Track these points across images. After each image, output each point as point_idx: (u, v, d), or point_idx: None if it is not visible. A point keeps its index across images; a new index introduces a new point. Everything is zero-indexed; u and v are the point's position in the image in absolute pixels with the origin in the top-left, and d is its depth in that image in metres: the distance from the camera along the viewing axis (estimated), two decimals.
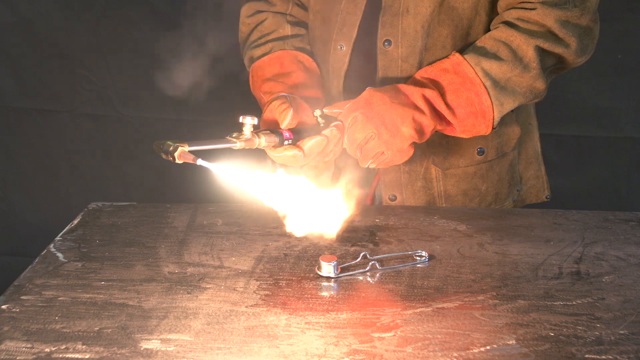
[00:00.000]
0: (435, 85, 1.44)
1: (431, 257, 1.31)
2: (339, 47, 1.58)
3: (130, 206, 1.55)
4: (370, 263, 1.27)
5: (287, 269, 1.27)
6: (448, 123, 1.45)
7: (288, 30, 1.66)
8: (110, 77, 2.81)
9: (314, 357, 1.00)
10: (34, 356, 1.00)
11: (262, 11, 1.70)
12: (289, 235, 1.40)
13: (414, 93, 1.42)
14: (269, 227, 1.45)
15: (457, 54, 1.45)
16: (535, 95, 1.48)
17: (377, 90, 1.43)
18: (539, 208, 1.64)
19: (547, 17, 1.44)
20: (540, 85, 1.46)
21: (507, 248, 1.35)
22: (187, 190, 2.85)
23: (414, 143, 1.43)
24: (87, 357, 1.00)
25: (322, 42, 1.63)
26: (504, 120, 1.64)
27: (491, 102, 1.43)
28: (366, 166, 1.45)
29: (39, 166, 2.95)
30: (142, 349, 1.02)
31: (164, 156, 1.27)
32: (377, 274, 1.26)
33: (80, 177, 2.94)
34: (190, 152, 1.25)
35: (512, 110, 1.65)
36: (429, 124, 1.41)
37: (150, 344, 1.03)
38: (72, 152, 2.92)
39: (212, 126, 2.37)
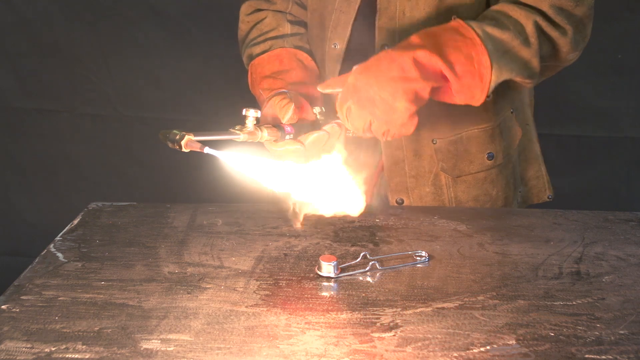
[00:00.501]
0: (435, 41, 1.38)
1: (431, 257, 1.31)
2: (333, 45, 1.59)
3: (130, 206, 1.55)
4: (370, 263, 1.27)
5: (287, 269, 1.27)
6: (445, 79, 1.38)
7: (287, 28, 1.66)
8: (110, 77, 2.81)
9: (314, 357, 1.00)
10: (34, 356, 1.00)
11: (261, 9, 1.70)
12: (289, 235, 1.40)
13: (403, 57, 1.35)
14: (269, 227, 1.45)
15: (459, 19, 1.41)
16: (529, 74, 1.44)
17: (361, 70, 1.37)
18: (539, 208, 1.64)
19: (542, 2, 1.43)
20: (536, 64, 1.43)
21: (507, 248, 1.35)
22: (187, 190, 2.85)
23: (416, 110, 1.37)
24: (87, 357, 1.00)
25: (319, 41, 1.63)
26: (507, 123, 1.64)
27: (491, 64, 1.38)
28: (384, 140, 1.45)
29: (39, 166, 2.95)
30: (142, 349, 1.02)
31: (170, 145, 1.26)
32: (377, 274, 1.26)
33: (80, 177, 2.94)
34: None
35: (512, 111, 1.66)
36: (423, 87, 1.35)
37: (150, 344, 1.03)
38: (72, 152, 2.92)
39: (212, 126, 2.37)
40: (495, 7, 1.46)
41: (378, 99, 1.34)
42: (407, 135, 1.44)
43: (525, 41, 1.41)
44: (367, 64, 1.38)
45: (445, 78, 1.38)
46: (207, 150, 1.25)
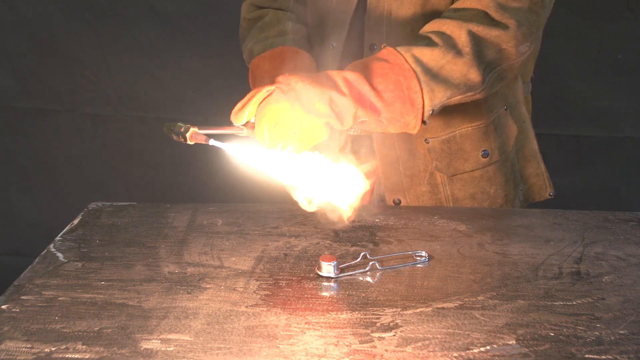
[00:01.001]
0: (365, 71, 1.36)
1: (431, 257, 1.31)
2: (330, 45, 1.59)
3: (130, 206, 1.56)
4: (370, 263, 1.27)
5: (287, 269, 1.27)
6: (374, 109, 1.35)
7: (289, 26, 1.66)
8: (110, 77, 2.81)
9: (314, 357, 1.00)
10: (34, 356, 1.00)
11: (263, 7, 1.70)
12: (289, 235, 1.40)
13: (335, 75, 1.34)
14: (269, 227, 1.45)
15: (389, 47, 1.39)
16: (468, 88, 1.41)
17: (294, 73, 1.34)
18: (540, 207, 1.64)
19: (482, 1, 1.41)
20: (475, 75, 1.40)
21: (507, 248, 1.35)
22: (187, 190, 2.85)
23: (330, 125, 1.32)
24: (87, 357, 1.00)
25: (318, 40, 1.63)
26: (501, 120, 1.64)
27: (420, 88, 1.35)
28: (276, 149, 1.30)
29: (39, 166, 2.95)
30: (142, 349, 1.02)
31: (175, 138, 1.26)
32: (377, 274, 1.26)
33: (80, 177, 2.94)
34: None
35: (505, 108, 1.65)
36: (349, 106, 1.31)
37: (150, 344, 1.03)
38: (72, 152, 2.92)
39: (212, 126, 2.37)
40: (427, 27, 1.44)
41: (304, 95, 1.29)
42: (309, 145, 1.32)
43: (459, 53, 1.39)
44: (304, 73, 1.35)
45: (374, 109, 1.35)
46: (212, 142, 1.25)
